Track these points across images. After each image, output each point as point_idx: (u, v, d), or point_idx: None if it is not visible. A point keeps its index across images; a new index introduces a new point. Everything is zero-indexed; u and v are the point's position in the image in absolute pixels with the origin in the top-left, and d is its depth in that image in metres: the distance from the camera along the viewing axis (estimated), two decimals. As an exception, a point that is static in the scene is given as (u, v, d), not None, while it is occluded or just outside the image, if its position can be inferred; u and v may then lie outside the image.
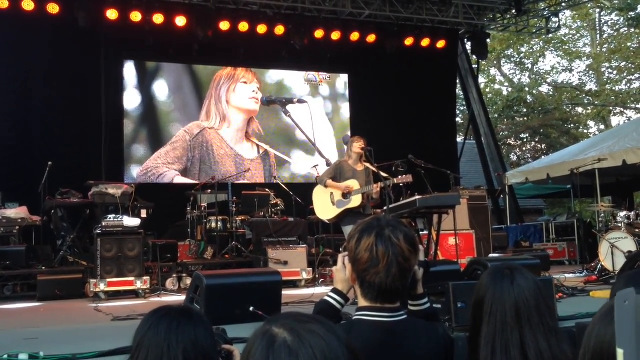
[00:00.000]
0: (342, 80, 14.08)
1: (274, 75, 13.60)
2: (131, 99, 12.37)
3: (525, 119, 29.94)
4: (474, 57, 15.48)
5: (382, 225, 1.93)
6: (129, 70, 12.42)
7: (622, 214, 8.70)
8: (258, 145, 13.00)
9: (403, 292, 1.98)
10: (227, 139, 12.76)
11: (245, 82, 13.09)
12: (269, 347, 1.00)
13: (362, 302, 1.97)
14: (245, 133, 12.94)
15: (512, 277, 1.94)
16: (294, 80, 13.64)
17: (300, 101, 13.22)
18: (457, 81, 16.16)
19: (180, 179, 12.23)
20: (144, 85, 12.47)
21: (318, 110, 13.62)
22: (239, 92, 13.01)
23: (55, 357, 3.43)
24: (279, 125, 13.21)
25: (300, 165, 13.15)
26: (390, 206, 6.63)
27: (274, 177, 12.14)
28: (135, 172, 12.17)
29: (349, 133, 13.21)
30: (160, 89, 12.61)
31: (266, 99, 13.01)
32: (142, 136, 12.41)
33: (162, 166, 12.21)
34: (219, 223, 10.05)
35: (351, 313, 2.10)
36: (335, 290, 2.24)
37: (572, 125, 29.86)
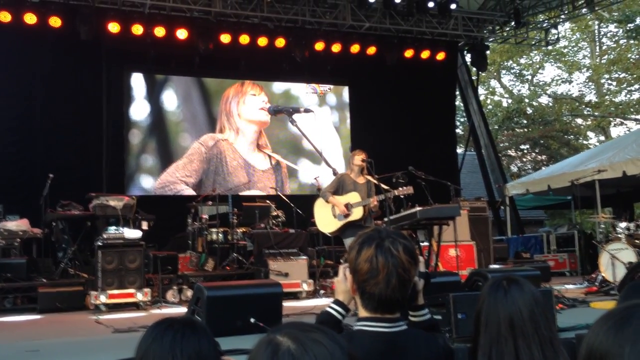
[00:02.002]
0: (347, 91, 14.14)
1: (280, 86, 13.69)
2: (139, 110, 12.42)
3: (525, 130, 29.98)
4: (474, 68, 15.56)
5: (382, 236, 1.94)
6: (138, 81, 12.49)
7: (623, 225, 8.71)
8: (270, 156, 13.08)
9: (403, 303, 1.99)
10: (239, 150, 12.86)
11: (254, 95, 13.18)
12: (273, 356, 1.02)
13: (362, 313, 1.99)
14: (256, 145, 13.03)
15: (507, 288, 1.96)
16: (301, 90, 13.73)
17: (307, 110, 13.26)
18: (457, 93, 16.22)
19: (196, 198, 12.28)
20: (153, 95, 12.55)
21: (325, 120, 13.68)
22: (248, 104, 13.10)
23: (56, 369, 3.44)
24: (285, 135, 13.28)
25: (308, 175, 13.19)
26: (391, 217, 6.65)
27: (275, 189, 12.16)
28: (144, 181, 12.25)
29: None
30: (169, 99, 12.69)
31: (273, 108, 13.06)
32: (151, 146, 12.47)
33: (180, 182, 12.30)
34: (220, 235, 10.04)
35: (352, 324, 2.11)
36: (336, 301, 2.25)
37: (572, 137, 29.89)
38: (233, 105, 12.99)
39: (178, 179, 12.31)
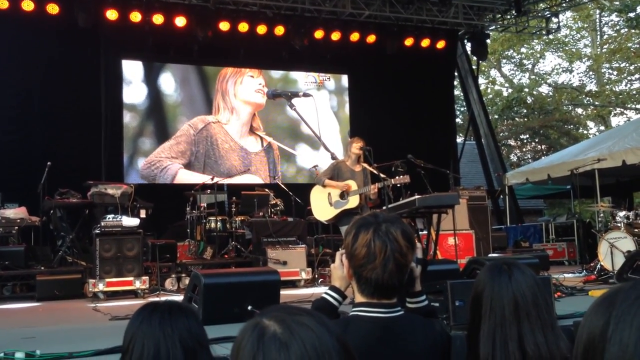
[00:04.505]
0: (347, 79, 14.10)
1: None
2: (137, 92, 12.37)
3: (525, 119, 29.94)
4: (474, 57, 15.48)
5: (379, 221, 1.92)
6: (136, 65, 12.44)
7: (622, 214, 8.70)
8: (262, 139, 13.03)
9: (400, 288, 1.97)
10: (231, 133, 12.81)
11: (251, 76, 13.14)
12: (259, 340, 0.99)
13: (359, 298, 1.96)
14: (250, 127, 12.98)
15: (509, 272, 1.94)
16: (300, 73, 13.67)
17: (306, 94, 13.20)
18: (457, 82, 16.15)
19: (184, 172, 12.22)
20: (151, 78, 12.50)
21: (323, 104, 13.63)
22: (245, 84, 13.06)
23: (51, 355, 3.43)
24: (284, 119, 13.25)
25: (306, 159, 13.17)
26: (390, 206, 6.62)
27: (274, 177, 12.13)
28: (141, 164, 12.20)
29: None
30: (167, 82, 12.64)
31: (272, 92, 13.00)
32: (149, 129, 12.43)
33: (166, 160, 12.25)
34: (219, 223, 10.03)
35: (349, 311, 2.09)
36: (332, 288, 2.23)
37: (572, 126, 29.84)
38: (230, 84, 12.93)
39: (164, 158, 12.25)
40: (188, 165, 12.36)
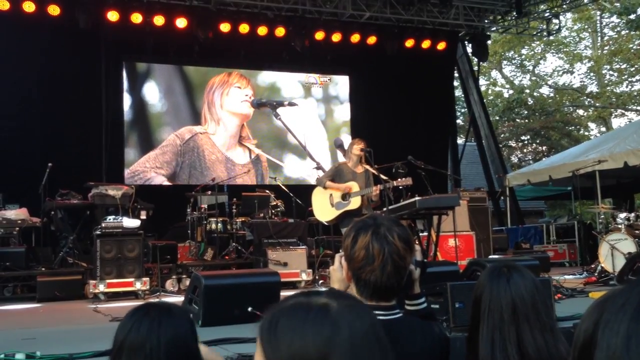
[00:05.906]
0: (335, 83, 14.02)
1: (266, 78, 13.52)
2: (124, 100, 12.30)
3: (526, 120, 29.93)
4: (475, 59, 15.49)
5: (377, 223, 1.93)
6: (124, 72, 12.35)
7: (622, 215, 8.70)
8: (250, 150, 12.94)
9: (398, 290, 1.98)
10: (218, 144, 12.68)
11: (239, 87, 13.01)
12: (325, 317, 1.01)
13: (358, 301, 1.97)
14: (238, 138, 12.88)
15: (508, 275, 1.96)
16: (287, 82, 13.56)
17: (291, 104, 13.12)
18: (458, 83, 16.15)
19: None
20: (135, 88, 12.41)
21: (310, 113, 13.52)
22: (232, 95, 12.91)
23: (52, 356, 3.44)
24: (270, 129, 13.09)
25: (293, 169, 13.08)
26: (390, 207, 6.63)
27: (274, 178, 12.12)
28: (125, 172, 12.09)
29: (339, 136, 13.11)
30: (151, 91, 12.55)
31: (256, 101, 12.90)
32: (133, 139, 12.33)
33: (150, 170, 12.12)
34: (219, 224, 10.02)
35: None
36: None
37: (573, 127, 29.83)
38: (216, 95, 12.82)
39: (148, 168, 12.16)
40: (173, 176, 12.23)
